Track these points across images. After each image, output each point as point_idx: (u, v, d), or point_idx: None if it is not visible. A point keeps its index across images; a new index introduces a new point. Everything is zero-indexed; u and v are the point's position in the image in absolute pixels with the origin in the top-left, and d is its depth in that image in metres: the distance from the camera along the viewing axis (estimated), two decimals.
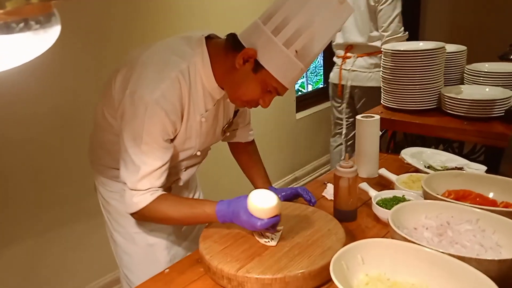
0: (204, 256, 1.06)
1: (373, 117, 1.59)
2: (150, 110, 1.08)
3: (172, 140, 1.18)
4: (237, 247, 1.09)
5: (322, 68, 4.15)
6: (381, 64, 2.10)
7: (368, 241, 0.98)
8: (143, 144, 1.11)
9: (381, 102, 2.15)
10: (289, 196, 1.39)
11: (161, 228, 1.35)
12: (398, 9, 2.62)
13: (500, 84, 1.95)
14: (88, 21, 1.98)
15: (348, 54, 2.88)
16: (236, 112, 1.38)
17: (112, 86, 1.18)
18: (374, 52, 2.76)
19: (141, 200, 1.14)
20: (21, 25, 0.36)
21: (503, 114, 1.80)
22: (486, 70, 2.01)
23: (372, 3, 2.64)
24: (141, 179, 1.13)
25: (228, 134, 1.40)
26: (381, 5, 2.61)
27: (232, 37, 1.13)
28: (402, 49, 2.01)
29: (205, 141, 1.28)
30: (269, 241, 1.10)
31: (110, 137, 1.25)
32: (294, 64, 1.07)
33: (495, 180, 1.26)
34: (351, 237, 1.21)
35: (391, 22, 2.61)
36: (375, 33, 2.71)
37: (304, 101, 3.65)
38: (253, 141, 1.56)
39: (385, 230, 1.26)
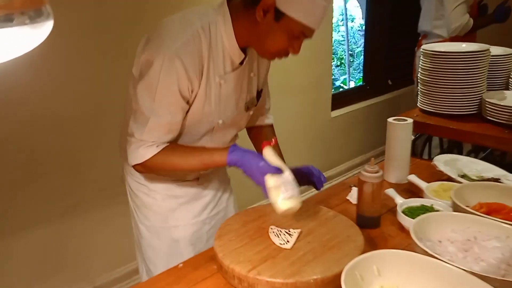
0: (218, 253, 1.05)
1: (406, 120, 1.52)
2: (168, 60, 1.07)
3: (188, 103, 1.16)
4: (251, 247, 1.07)
5: (362, 67, 4.05)
6: (420, 65, 2.01)
7: (385, 251, 0.94)
8: (156, 95, 1.10)
9: (418, 104, 2.07)
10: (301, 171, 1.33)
11: (187, 224, 1.36)
12: (458, 1, 2.75)
13: None
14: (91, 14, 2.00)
15: (423, 42, 3.01)
16: (259, 93, 1.36)
17: (136, 55, 1.18)
18: (439, 40, 2.88)
19: (147, 151, 1.15)
20: (7, 19, 0.35)
21: None
22: None
23: None
24: (148, 131, 1.13)
25: (251, 112, 1.36)
26: None
27: None
28: (442, 50, 1.92)
29: (226, 110, 1.24)
30: (284, 243, 1.07)
31: None
32: (314, 2, 1.05)
33: None
34: (372, 245, 1.17)
35: (452, 10, 2.77)
36: (438, 22, 2.89)
37: (340, 99, 3.58)
38: (271, 126, 1.53)
39: (408, 240, 1.19)
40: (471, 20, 2.80)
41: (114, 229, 2.18)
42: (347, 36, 5.85)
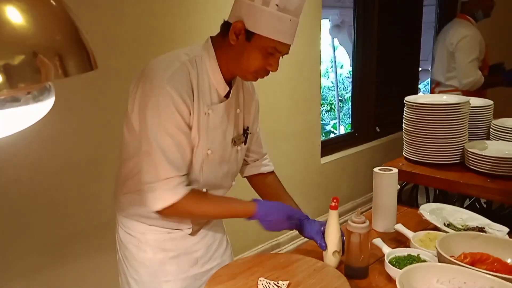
0: None
1: (391, 170, 1.57)
2: (163, 90, 1.12)
3: (189, 126, 1.19)
4: None
5: (350, 113, 4.15)
6: (404, 116, 2.08)
7: None
8: (160, 128, 1.14)
9: (403, 153, 2.13)
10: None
11: (177, 279, 1.33)
12: (473, 56, 2.90)
13: None
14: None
15: (436, 90, 3.22)
16: (246, 131, 1.39)
17: (130, 95, 1.22)
18: (451, 90, 3.02)
19: (176, 191, 1.16)
20: (14, 100, 0.39)
21: None
22: None
23: (450, 49, 3.01)
24: (166, 166, 1.14)
25: (239, 148, 1.38)
26: (457, 51, 2.96)
27: (224, 23, 1.22)
28: (424, 102, 2.00)
29: (214, 140, 1.27)
30: None
31: (134, 161, 1.26)
32: (280, 17, 1.12)
33: None
34: None
35: (465, 66, 2.93)
36: (451, 74, 3.04)
37: (330, 145, 3.64)
38: (273, 173, 1.56)
39: None
40: (483, 78, 2.89)
41: (105, 279, 2.14)
42: (337, 82, 6.03)
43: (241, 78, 1.29)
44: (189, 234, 1.36)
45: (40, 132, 1.83)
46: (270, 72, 1.23)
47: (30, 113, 0.41)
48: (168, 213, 1.22)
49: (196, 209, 1.23)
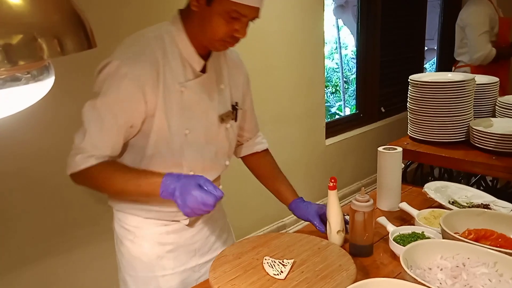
0: (212, 285, 1.07)
1: (396, 149, 1.56)
2: (116, 69, 1.08)
3: (142, 114, 1.14)
4: (245, 279, 1.09)
5: (355, 94, 4.13)
6: (408, 94, 2.07)
7: (376, 280, 0.96)
8: (100, 101, 1.10)
9: (408, 132, 2.12)
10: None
11: (175, 272, 1.30)
12: (483, 29, 2.90)
13: None
14: None
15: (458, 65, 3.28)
16: (235, 107, 1.33)
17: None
18: (462, 65, 3.09)
19: (84, 161, 1.13)
20: (14, 79, 0.40)
21: None
22: None
23: (461, 25, 3.05)
24: (89, 138, 1.12)
25: (229, 126, 1.31)
26: (467, 26, 2.98)
27: None
28: (429, 80, 1.98)
29: (192, 119, 1.21)
30: (278, 274, 1.09)
31: (130, 156, 1.23)
32: None
33: None
34: (365, 273, 1.19)
35: (475, 40, 2.93)
36: (462, 49, 3.08)
37: (334, 127, 3.63)
38: (267, 151, 1.51)
39: (401, 268, 1.22)
40: (494, 50, 2.87)
41: (100, 269, 2.16)
42: (341, 64, 5.98)
43: (211, 49, 1.20)
44: (186, 225, 1.31)
45: (30, 122, 1.82)
46: (239, 39, 1.15)
47: (30, 93, 0.42)
48: (78, 182, 1.18)
49: (102, 178, 1.15)
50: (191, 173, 1.22)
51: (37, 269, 1.99)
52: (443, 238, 1.17)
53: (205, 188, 1.07)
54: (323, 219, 1.35)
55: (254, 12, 1.10)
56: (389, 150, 1.56)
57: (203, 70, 1.22)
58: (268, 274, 1.10)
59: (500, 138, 1.80)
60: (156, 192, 1.11)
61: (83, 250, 2.10)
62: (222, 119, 1.28)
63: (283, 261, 1.14)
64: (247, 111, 1.42)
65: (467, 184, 2.28)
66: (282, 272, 1.10)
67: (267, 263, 1.14)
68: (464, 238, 1.14)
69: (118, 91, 1.10)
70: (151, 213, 1.27)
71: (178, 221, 1.30)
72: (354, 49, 4.21)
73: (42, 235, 1.97)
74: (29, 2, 0.38)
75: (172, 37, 1.16)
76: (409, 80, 2.06)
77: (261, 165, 1.50)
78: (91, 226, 2.09)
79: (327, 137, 3.48)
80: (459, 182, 2.10)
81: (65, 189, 2.01)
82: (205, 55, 1.22)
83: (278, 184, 1.47)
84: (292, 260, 1.15)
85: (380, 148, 1.57)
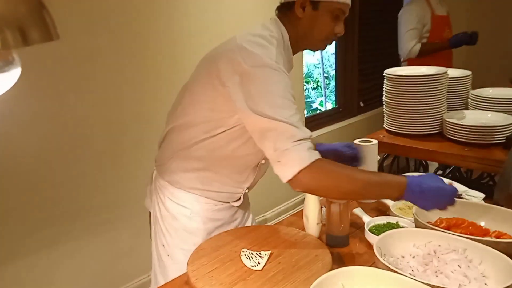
0: (191, 278, 1.08)
1: (371, 141, 1.59)
2: (275, 69, 1.12)
3: None
4: (223, 271, 1.10)
5: (334, 90, 4.17)
6: (384, 88, 2.11)
7: (349, 268, 0.99)
8: (280, 99, 1.09)
9: (384, 126, 2.16)
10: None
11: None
12: (409, 26, 3.06)
13: (504, 110, 1.94)
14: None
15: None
16: None
17: (211, 81, 1.19)
18: (403, 60, 3.24)
19: (311, 153, 1.06)
20: None
21: (504, 140, 1.78)
22: (489, 96, 2.00)
23: (398, 22, 3.19)
24: (300, 127, 1.08)
25: None
26: (399, 24, 3.15)
27: (281, 4, 1.30)
28: (403, 74, 2.02)
29: None
30: (255, 265, 1.11)
31: (202, 131, 1.26)
32: None
33: (487, 208, 1.25)
34: (340, 263, 1.21)
35: (402, 36, 3.12)
36: (399, 45, 3.21)
37: (314, 121, 3.67)
38: None
39: (375, 257, 1.25)
40: (418, 46, 3.07)
41: (92, 260, 2.17)
42: (322, 59, 6.02)
43: (311, 50, 1.36)
44: (233, 205, 1.42)
45: (21, 115, 1.82)
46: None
47: None
48: (302, 182, 1.06)
49: (337, 172, 1.08)
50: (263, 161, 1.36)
51: (32, 261, 1.99)
52: (416, 227, 1.21)
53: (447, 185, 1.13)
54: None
55: (348, 8, 1.27)
56: (365, 142, 1.59)
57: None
58: (245, 266, 1.12)
59: (472, 130, 1.84)
60: (397, 193, 1.09)
61: (79, 242, 2.09)
62: None
63: (260, 253, 1.16)
64: None
65: (443, 175, 2.34)
66: (259, 263, 1.12)
67: (245, 255, 1.15)
68: (436, 226, 1.17)
69: (283, 84, 1.13)
70: (211, 193, 1.36)
71: (228, 202, 1.41)
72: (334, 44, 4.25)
73: (25, 231, 1.96)
74: None
75: (282, 44, 1.25)
76: (384, 74, 2.10)
77: None
78: (87, 219, 2.08)
79: None
80: (435, 173, 2.15)
81: (58, 183, 2.01)
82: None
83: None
84: (269, 252, 1.17)
85: (356, 141, 1.60)
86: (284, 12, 1.28)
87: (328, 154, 1.41)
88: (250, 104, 1.10)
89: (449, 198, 1.12)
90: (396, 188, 1.09)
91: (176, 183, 1.37)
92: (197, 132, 1.28)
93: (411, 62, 3.08)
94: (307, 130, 1.11)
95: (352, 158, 1.48)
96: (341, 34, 1.29)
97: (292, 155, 1.05)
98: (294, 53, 1.32)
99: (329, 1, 1.22)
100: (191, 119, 1.29)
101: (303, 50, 1.38)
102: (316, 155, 1.07)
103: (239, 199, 1.43)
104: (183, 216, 1.36)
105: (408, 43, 3.06)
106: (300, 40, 1.29)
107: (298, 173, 1.05)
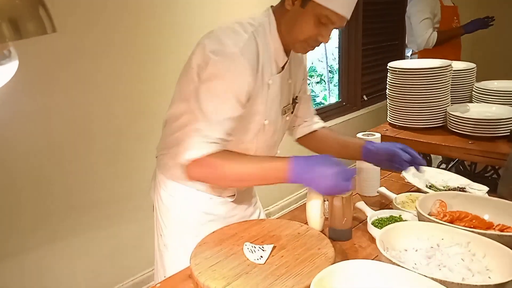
0: (193, 272, 1.08)
1: (374, 135, 1.59)
2: (235, 60, 1.11)
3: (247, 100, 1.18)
4: (226, 264, 1.10)
5: (338, 83, 4.16)
6: (387, 82, 2.10)
7: (352, 262, 0.98)
8: (221, 94, 1.12)
9: (387, 119, 2.15)
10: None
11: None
12: (423, 16, 3.05)
13: (508, 103, 1.92)
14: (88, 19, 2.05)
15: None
16: (295, 100, 1.39)
17: (190, 65, 1.20)
18: (414, 53, 3.25)
19: (209, 146, 1.12)
20: None
21: (508, 133, 1.77)
22: (494, 88, 1.99)
23: (408, 14, 3.16)
24: (214, 126, 1.12)
25: (288, 118, 1.39)
26: (410, 14, 3.13)
27: None
28: (407, 67, 2.01)
29: (271, 111, 1.28)
30: (258, 259, 1.11)
31: (184, 123, 1.26)
32: None
33: (491, 202, 1.24)
34: (343, 256, 1.21)
35: (416, 26, 3.08)
36: (410, 37, 3.22)
37: (318, 115, 3.63)
38: (326, 128, 1.56)
39: (378, 250, 1.25)
40: (435, 33, 3.04)
41: (95, 255, 2.18)
42: (326, 53, 6.00)
43: (291, 49, 1.27)
44: (232, 198, 1.39)
45: (27, 111, 1.82)
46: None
47: None
48: (193, 172, 1.17)
49: (223, 167, 1.14)
50: None
51: (35, 256, 2.00)
52: (419, 221, 1.20)
53: (339, 166, 1.09)
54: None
55: (341, 21, 1.15)
56: (368, 136, 1.58)
57: (283, 66, 1.28)
58: (248, 259, 1.12)
59: (476, 123, 1.83)
60: (284, 175, 1.12)
61: (68, 241, 2.10)
62: (285, 111, 1.35)
63: (263, 247, 1.16)
64: (302, 99, 1.46)
65: (446, 169, 2.33)
66: (262, 257, 1.11)
67: (248, 248, 1.15)
68: (439, 220, 1.16)
69: (239, 80, 1.13)
70: (203, 186, 1.34)
71: (223, 197, 1.39)
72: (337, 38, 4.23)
73: (31, 226, 1.97)
74: None
75: (265, 32, 1.20)
76: (388, 67, 2.08)
77: (323, 139, 1.52)
78: (88, 214, 2.09)
79: None
80: (439, 167, 2.15)
81: (58, 178, 2.01)
82: (288, 53, 1.27)
83: (346, 147, 1.47)
84: (272, 245, 1.16)
85: (359, 134, 1.60)
86: (281, 2, 1.22)
87: (382, 156, 1.36)
88: (201, 86, 1.15)
89: (340, 179, 1.08)
90: (281, 170, 1.11)
91: (170, 175, 1.38)
92: (181, 124, 1.28)
93: (423, 54, 3.08)
94: (224, 132, 1.14)
95: (409, 163, 1.35)
96: (325, 42, 1.20)
97: (190, 145, 1.13)
98: (286, 48, 1.24)
99: (318, 4, 1.11)
100: (176, 111, 1.30)
101: (292, 49, 1.27)
102: (211, 150, 1.12)
103: (234, 194, 1.40)
104: (175, 207, 1.37)
105: (425, 32, 3.04)
106: (286, 35, 1.21)
107: (188, 165, 1.14)
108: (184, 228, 1.37)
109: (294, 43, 1.21)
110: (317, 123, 1.54)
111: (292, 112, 1.40)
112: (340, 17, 1.13)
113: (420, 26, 3.04)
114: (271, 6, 1.25)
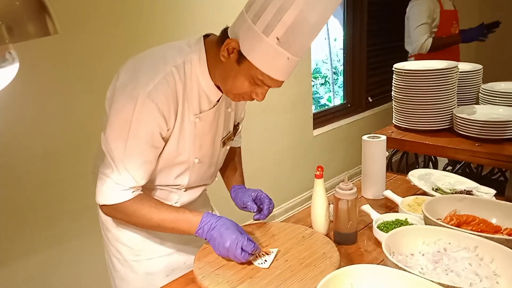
0: (197, 276, 1.07)
1: (380, 137, 1.57)
2: (141, 103, 1.05)
3: (164, 142, 1.14)
4: (230, 268, 1.09)
5: (343, 85, 4.14)
6: (393, 83, 2.08)
7: (357, 266, 0.97)
8: (129, 139, 1.07)
9: (393, 121, 2.13)
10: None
11: (161, 256, 1.31)
12: (421, 21, 3.03)
13: None
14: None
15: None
16: (236, 127, 1.35)
17: (108, 91, 1.17)
18: (411, 55, 3.24)
19: (121, 194, 1.11)
20: None
21: None
22: (501, 90, 1.97)
23: (407, 16, 3.19)
24: (123, 173, 1.10)
25: (228, 147, 1.35)
26: (408, 18, 3.12)
27: (224, 30, 1.10)
28: (413, 68, 1.99)
29: (202, 148, 1.22)
30: (262, 263, 1.10)
31: None
32: (278, 53, 0.99)
33: (498, 205, 1.22)
34: (349, 260, 1.20)
35: (413, 31, 3.08)
36: (407, 39, 3.21)
37: (322, 117, 3.64)
38: (238, 148, 1.52)
39: (384, 254, 1.23)
40: (429, 40, 3.04)
41: (99, 259, 2.17)
42: (330, 55, 5.98)
43: (229, 110, 1.24)
44: None
45: (30, 113, 1.82)
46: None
47: None
48: (107, 213, 1.19)
49: (137, 213, 1.13)
50: (183, 190, 1.28)
51: (37, 260, 1.99)
52: (426, 224, 1.18)
53: (245, 236, 1.10)
54: (256, 202, 1.32)
55: (277, 84, 1.08)
56: (373, 138, 1.57)
57: (218, 99, 1.21)
58: (252, 263, 1.11)
59: (483, 125, 1.81)
60: (192, 230, 1.14)
61: (71, 243, 2.09)
62: (224, 142, 1.31)
63: (267, 250, 1.15)
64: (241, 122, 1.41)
65: (452, 171, 2.31)
66: (266, 261, 1.11)
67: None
68: (446, 224, 1.15)
69: (147, 125, 1.08)
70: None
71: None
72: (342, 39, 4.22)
73: (34, 229, 1.97)
74: None
75: (193, 68, 1.12)
76: (393, 68, 2.07)
77: (227, 156, 1.45)
78: (88, 218, 2.08)
79: (314, 128, 3.49)
80: (445, 169, 2.13)
81: (61, 181, 2.01)
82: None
83: (228, 171, 1.46)
84: (277, 249, 1.15)
85: (365, 137, 1.58)
86: (219, 39, 1.10)
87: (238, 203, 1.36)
88: (107, 127, 1.11)
89: (238, 248, 1.08)
90: (192, 225, 1.14)
91: None
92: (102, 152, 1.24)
93: (418, 57, 3.07)
94: (138, 178, 1.12)
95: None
96: (259, 100, 1.12)
97: (103, 189, 1.13)
98: (217, 83, 1.15)
99: (254, 66, 1.02)
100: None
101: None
102: (123, 199, 1.12)
103: (177, 201, 1.31)
104: (111, 225, 1.32)
105: (420, 37, 3.03)
106: (219, 80, 1.13)
107: (102, 205, 1.16)
108: (125, 247, 1.31)
109: (227, 93, 1.13)
110: (236, 142, 1.47)
111: (233, 139, 1.35)
112: (275, 81, 1.06)
113: (416, 30, 3.04)
114: (204, 37, 1.15)
